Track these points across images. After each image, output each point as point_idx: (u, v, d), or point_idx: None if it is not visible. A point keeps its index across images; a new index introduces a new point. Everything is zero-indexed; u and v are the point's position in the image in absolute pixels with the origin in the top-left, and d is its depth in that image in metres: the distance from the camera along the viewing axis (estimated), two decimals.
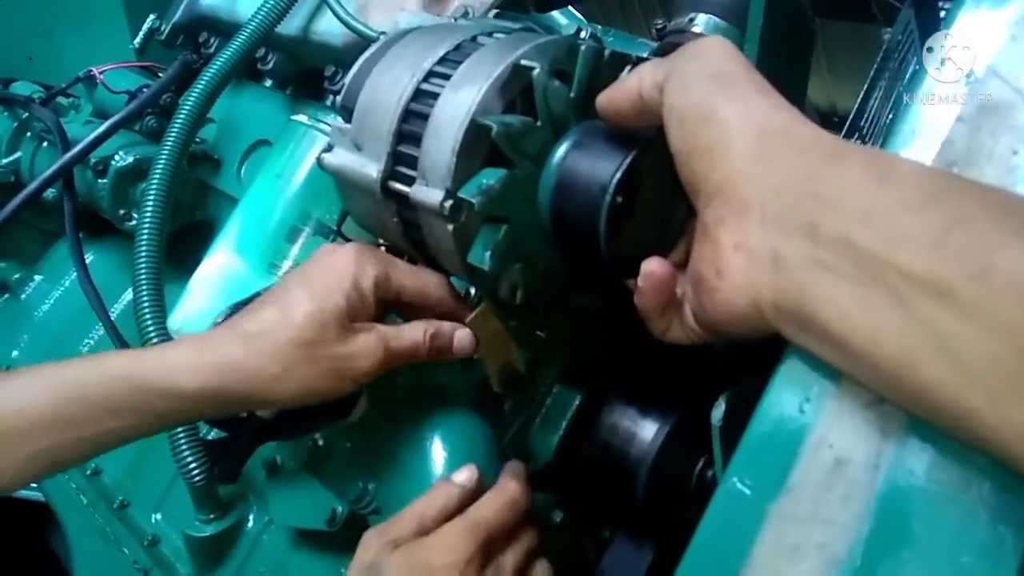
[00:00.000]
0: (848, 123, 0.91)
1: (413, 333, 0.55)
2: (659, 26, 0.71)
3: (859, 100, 0.91)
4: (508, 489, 0.56)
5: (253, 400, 0.51)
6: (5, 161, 1.16)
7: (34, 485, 1.18)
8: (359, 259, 0.54)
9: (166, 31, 1.14)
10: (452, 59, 0.50)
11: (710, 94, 0.41)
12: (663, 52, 0.65)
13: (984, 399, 0.30)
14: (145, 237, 0.78)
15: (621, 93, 0.46)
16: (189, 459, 0.76)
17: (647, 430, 0.63)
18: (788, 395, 0.38)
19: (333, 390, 0.52)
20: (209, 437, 0.77)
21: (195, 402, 0.49)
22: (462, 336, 0.57)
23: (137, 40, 1.18)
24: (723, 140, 0.40)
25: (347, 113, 0.53)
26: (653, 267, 0.46)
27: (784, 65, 0.68)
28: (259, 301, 0.54)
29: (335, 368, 0.51)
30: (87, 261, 0.98)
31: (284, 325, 0.51)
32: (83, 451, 0.48)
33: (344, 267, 0.53)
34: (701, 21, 0.66)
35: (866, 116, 0.90)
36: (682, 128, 0.42)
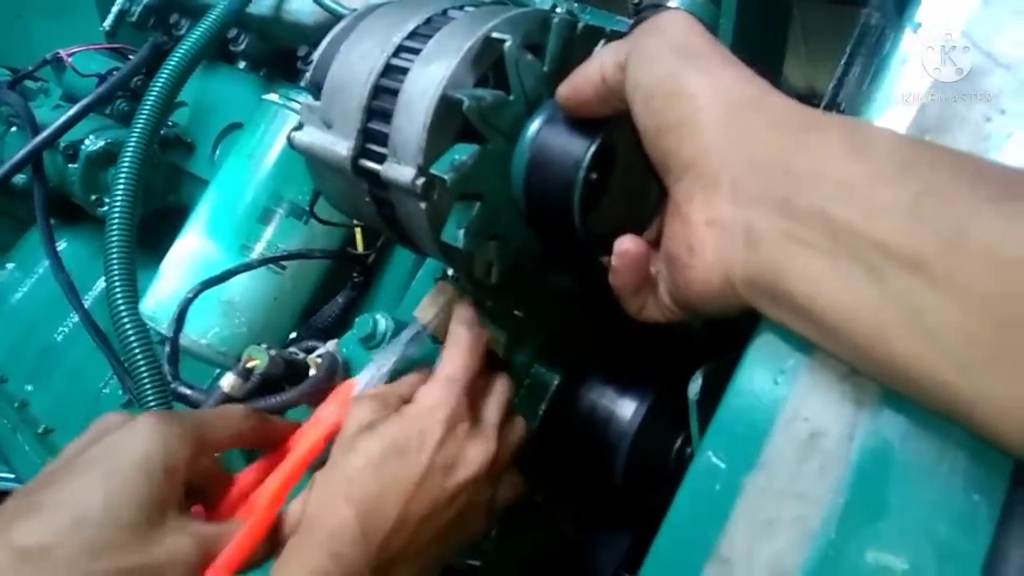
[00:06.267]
0: (824, 102, 0.91)
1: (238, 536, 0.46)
2: (635, 1, 0.70)
3: (835, 78, 0.91)
4: (460, 337, 0.55)
5: None
6: None
7: (11, 476, 1.17)
8: (156, 435, 0.44)
9: (136, 13, 1.13)
10: (422, 33, 0.49)
11: (675, 68, 0.40)
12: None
13: (957, 371, 0.30)
14: (116, 222, 0.77)
15: (583, 79, 0.45)
16: None
17: (626, 408, 0.62)
18: (762, 369, 0.38)
19: None
20: None
21: None
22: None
23: (107, 22, 1.17)
24: (691, 114, 0.39)
25: (316, 90, 0.52)
26: (627, 245, 0.45)
27: (760, 40, 0.67)
28: (34, 492, 0.42)
29: None
30: (60, 248, 0.97)
31: (70, 535, 0.40)
32: None
33: (141, 448, 0.43)
34: None
35: (843, 94, 0.90)
36: (648, 105, 0.41)
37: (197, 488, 0.48)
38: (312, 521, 0.47)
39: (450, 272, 0.62)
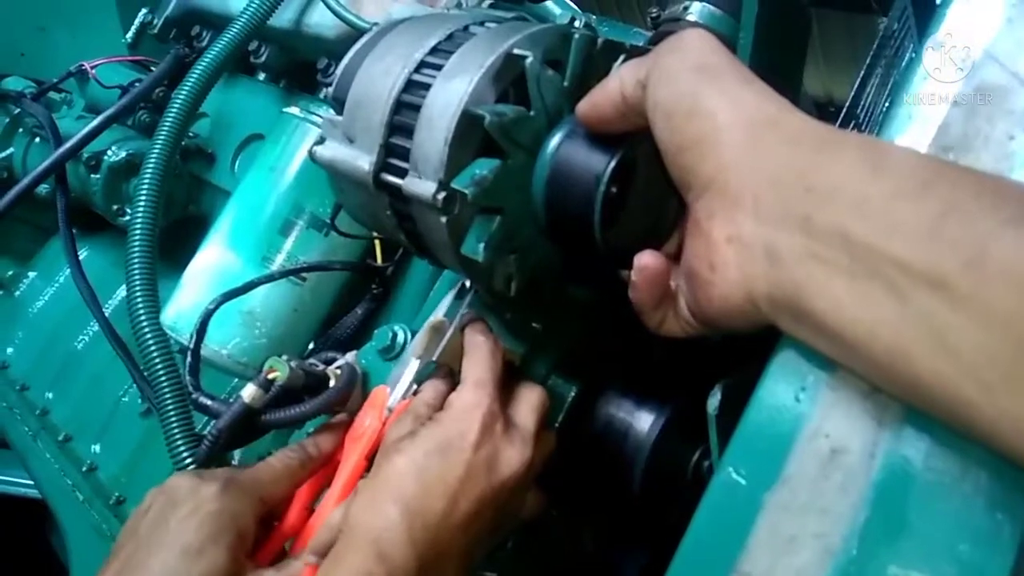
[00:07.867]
0: (844, 112, 0.91)
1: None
2: (654, 15, 0.70)
3: (854, 88, 0.91)
4: (480, 344, 0.56)
5: None
6: None
7: (30, 482, 1.18)
8: (224, 507, 0.49)
9: (158, 25, 1.14)
10: (444, 49, 0.50)
11: (695, 87, 0.40)
12: (657, 42, 0.65)
13: (979, 391, 0.30)
14: (138, 232, 0.77)
15: (603, 97, 0.45)
16: (184, 453, 0.76)
17: (643, 422, 0.62)
18: (783, 385, 0.38)
19: None
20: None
21: None
22: None
23: (129, 35, 1.18)
24: (711, 133, 0.39)
25: (339, 105, 0.53)
26: (646, 260, 0.45)
27: (779, 53, 0.68)
28: None
29: None
30: (81, 257, 0.98)
31: None
32: None
33: (212, 521, 0.48)
34: (695, 9, 0.66)
35: (862, 104, 0.90)
36: (669, 123, 0.41)
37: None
38: (357, 524, 0.47)
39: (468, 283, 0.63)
